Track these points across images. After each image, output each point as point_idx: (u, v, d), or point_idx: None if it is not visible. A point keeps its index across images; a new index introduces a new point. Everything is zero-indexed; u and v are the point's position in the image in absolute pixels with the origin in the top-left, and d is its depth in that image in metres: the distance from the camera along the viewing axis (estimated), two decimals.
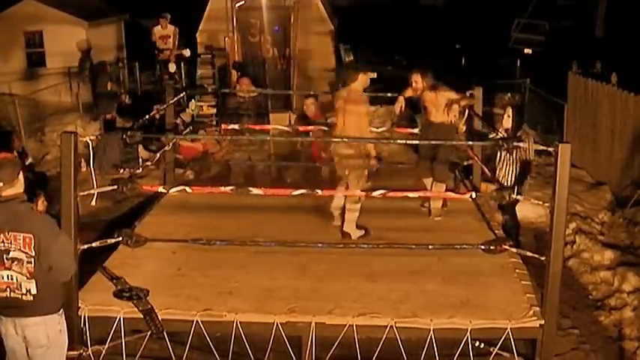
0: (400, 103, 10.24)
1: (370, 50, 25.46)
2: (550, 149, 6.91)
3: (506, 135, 9.76)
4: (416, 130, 11.42)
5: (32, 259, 5.83)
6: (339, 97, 9.30)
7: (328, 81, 20.50)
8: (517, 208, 10.12)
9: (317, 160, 12.13)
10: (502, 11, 32.19)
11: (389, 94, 12.51)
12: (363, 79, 9.27)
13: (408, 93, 10.28)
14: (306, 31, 19.84)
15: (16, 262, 5.85)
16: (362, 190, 8.73)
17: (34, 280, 5.88)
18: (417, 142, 9.81)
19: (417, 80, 10.07)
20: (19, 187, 5.95)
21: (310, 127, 12.26)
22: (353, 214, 9.09)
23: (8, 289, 5.90)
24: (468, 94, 10.89)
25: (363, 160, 9.09)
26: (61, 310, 6.23)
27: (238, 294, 7.43)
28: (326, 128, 11.75)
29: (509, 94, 20.51)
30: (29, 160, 13.66)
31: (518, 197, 8.33)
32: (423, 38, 29.26)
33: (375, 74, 20.31)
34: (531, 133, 9.96)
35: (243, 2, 19.53)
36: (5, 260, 5.85)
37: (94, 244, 7.30)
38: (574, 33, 28.78)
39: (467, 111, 10.52)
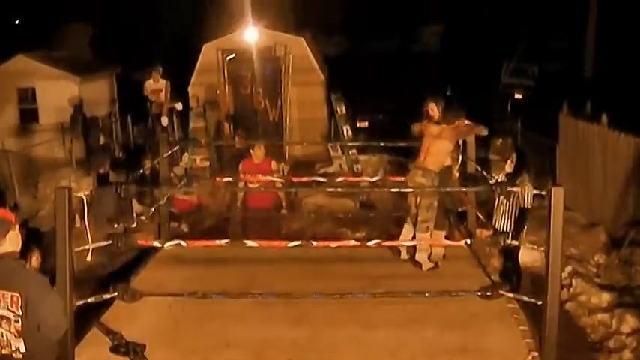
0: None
1: (361, 99, 25.58)
2: (543, 193, 6.93)
3: (506, 180, 9.80)
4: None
5: (19, 318, 5.80)
6: (431, 132, 9.79)
7: (320, 131, 20.61)
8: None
9: (252, 208, 12.06)
10: (492, 55, 32.46)
11: (381, 144, 12.57)
12: (459, 123, 9.84)
13: (417, 128, 10.30)
14: (297, 81, 19.99)
15: (5, 320, 5.82)
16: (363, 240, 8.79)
17: (22, 339, 5.85)
18: (410, 190, 9.81)
19: (433, 108, 10.11)
20: (10, 244, 5.91)
21: (304, 179, 12.30)
22: (425, 244, 9.51)
23: None
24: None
25: (434, 190, 9.58)
26: None
27: (235, 346, 7.40)
28: (276, 179, 11.91)
29: (501, 139, 20.61)
30: (22, 216, 13.65)
31: (515, 242, 8.35)
32: (414, 85, 29.42)
33: (367, 123, 20.55)
34: (526, 178, 9.96)
35: (234, 55, 19.71)
36: None
37: (89, 300, 7.28)
38: (563, 75, 29.02)
39: (460, 157, 10.55)
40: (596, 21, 29.79)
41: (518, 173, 9.96)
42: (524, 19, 36.58)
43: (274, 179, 11.84)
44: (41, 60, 23.35)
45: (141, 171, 10.51)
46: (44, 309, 5.81)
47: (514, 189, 9.15)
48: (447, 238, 10.21)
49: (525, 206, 9.80)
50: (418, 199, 9.62)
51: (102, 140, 18.38)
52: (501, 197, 9.98)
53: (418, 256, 9.66)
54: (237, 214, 12.22)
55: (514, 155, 10.24)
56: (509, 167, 10.11)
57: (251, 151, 12.04)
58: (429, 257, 9.86)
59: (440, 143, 9.66)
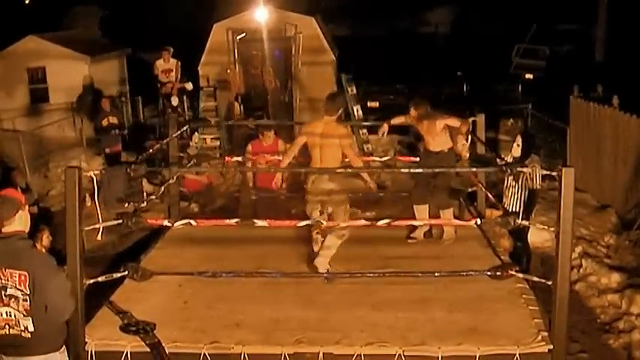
0: (383, 129, 10.45)
1: (371, 79, 25.55)
2: (554, 173, 6.90)
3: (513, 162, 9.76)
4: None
5: (27, 297, 5.84)
6: (313, 132, 9.01)
7: None
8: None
9: (262, 190, 11.96)
10: (502, 37, 32.35)
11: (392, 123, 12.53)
12: (340, 113, 9.14)
13: (399, 120, 10.33)
14: (308, 61, 19.95)
15: (13, 299, 5.86)
16: (366, 220, 8.74)
17: (30, 318, 5.88)
18: (420, 170, 9.79)
19: (414, 115, 9.95)
20: (18, 224, 5.96)
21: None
22: (331, 250, 8.74)
23: (7, 325, 5.91)
24: (470, 120, 10.91)
25: (344, 193, 8.93)
26: (63, 347, 6.22)
27: (245, 326, 7.41)
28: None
29: (511, 120, 20.60)
30: (34, 196, 13.70)
31: (525, 223, 8.33)
32: (425, 66, 29.40)
33: (377, 103, 20.55)
34: (535, 159, 9.94)
35: (244, 34, 19.68)
36: (3, 297, 5.86)
37: (99, 279, 7.29)
38: (574, 57, 28.91)
39: (469, 137, 10.52)
40: (607, 3, 29.67)
41: (528, 154, 9.94)
42: (536, 1, 36.43)
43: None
44: (52, 40, 23.39)
45: (151, 151, 10.48)
46: (50, 290, 5.85)
47: (524, 169, 9.12)
48: (456, 218, 10.19)
49: (535, 187, 9.79)
50: (328, 208, 9.00)
51: (109, 120, 18.32)
52: (510, 179, 9.97)
53: (316, 261, 8.83)
54: (247, 195, 12.21)
55: (519, 138, 10.21)
56: (515, 151, 10.08)
57: (260, 136, 12.00)
58: (440, 237, 9.88)
59: (328, 150, 8.94)
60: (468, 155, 10.69)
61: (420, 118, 9.90)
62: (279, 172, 11.10)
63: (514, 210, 9.75)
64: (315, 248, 9.00)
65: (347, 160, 9.15)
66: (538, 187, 9.89)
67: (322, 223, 8.40)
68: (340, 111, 9.13)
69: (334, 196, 8.86)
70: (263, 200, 11.73)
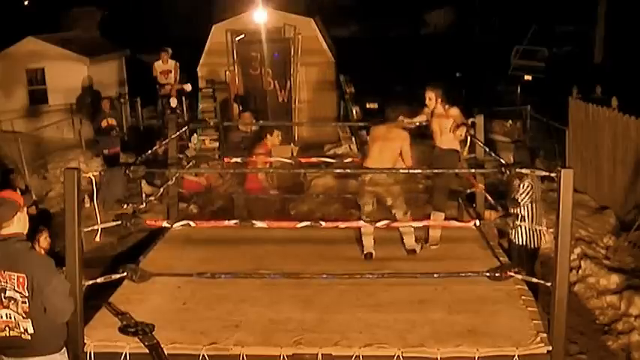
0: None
1: (370, 81, 25.53)
2: (553, 175, 6.90)
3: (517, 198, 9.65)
4: None
5: (26, 299, 5.84)
6: (377, 131, 9.58)
7: (329, 112, 20.57)
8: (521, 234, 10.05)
9: (253, 192, 12.01)
10: (501, 39, 32.37)
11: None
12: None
13: (420, 118, 10.27)
14: (307, 62, 19.94)
15: (12, 302, 5.86)
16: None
17: (30, 320, 5.88)
18: (418, 171, 9.78)
19: (432, 97, 9.91)
20: (17, 226, 5.96)
21: (313, 160, 12.28)
22: (410, 228, 9.38)
23: (7, 327, 5.92)
24: (469, 121, 10.88)
25: (401, 185, 9.42)
26: (63, 349, 6.22)
27: (244, 327, 7.40)
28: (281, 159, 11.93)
29: (510, 122, 20.61)
30: (33, 197, 13.68)
31: (523, 224, 8.31)
32: (423, 67, 29.37)
33: (376, 105, 20.54)
34: (536, 180, 9.86)
35: (243, 36, 19.68)
36: (3, 299, 5.86)
37: (98, 280, 7.28)
38: (573, 59, 28.94)
39: (469, 138, 10.51)
40: (606, 4, 29.71)
41: (532, 162, 9.90)
42: (535, 2, 36.48)
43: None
44: (51, 41, 23.38)
45: (150, 152, 10.48)
46: (49, 291, 5.85)
47: (523, 170, 9.09)
48: (455, 219, 10.17)
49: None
50: (388, 200, 9.54)
51: (105, 122, 18.32)
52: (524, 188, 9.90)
53: (409, 245, 9.55)
54: (241, 196, 12.18)
55: (513, 153, 10.18)
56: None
57: (267, 136, 12.02)
58: (426, 241, 9.83)
59: (387, 150, 9.52)
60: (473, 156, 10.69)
61: (437, 105, 9.87)
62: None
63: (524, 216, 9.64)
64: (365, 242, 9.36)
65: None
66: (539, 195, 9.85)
67: (321, 224, 8.40)
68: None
69: (393, 188, 9.43)
70: (258, 201, 11.75)
